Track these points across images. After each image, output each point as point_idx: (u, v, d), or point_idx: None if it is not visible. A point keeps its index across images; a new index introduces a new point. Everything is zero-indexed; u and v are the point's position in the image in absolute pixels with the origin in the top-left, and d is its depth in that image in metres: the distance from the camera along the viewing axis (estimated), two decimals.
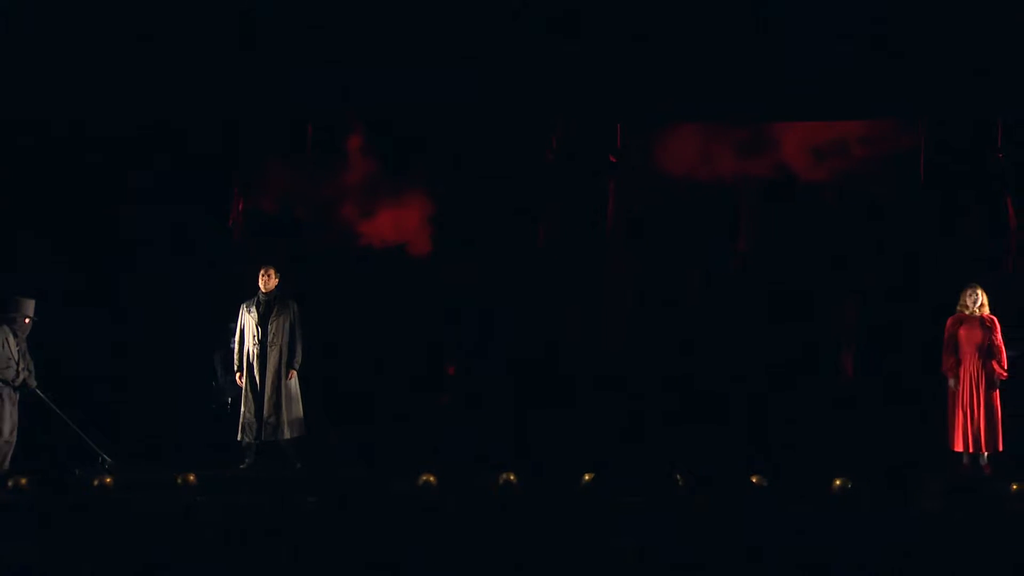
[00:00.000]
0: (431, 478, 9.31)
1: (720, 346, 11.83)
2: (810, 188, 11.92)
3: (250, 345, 10.75)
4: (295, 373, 10.79)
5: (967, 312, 10.50)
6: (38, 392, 10.38)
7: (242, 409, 10.78)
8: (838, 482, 9.10)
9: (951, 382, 10.49)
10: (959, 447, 10.45)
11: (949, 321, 10.56)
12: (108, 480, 9.29)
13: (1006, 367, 10.40)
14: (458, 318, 12.16)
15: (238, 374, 10.82)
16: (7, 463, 10.11)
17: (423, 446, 11.08)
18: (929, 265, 11.55)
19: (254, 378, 10.76)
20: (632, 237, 12.27)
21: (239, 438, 10.79)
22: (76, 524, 8.26)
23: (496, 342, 12.08)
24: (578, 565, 7.55)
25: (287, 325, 10.73)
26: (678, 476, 9.37)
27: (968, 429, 10.39)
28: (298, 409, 10.76)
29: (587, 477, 9.42)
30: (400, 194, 12.23)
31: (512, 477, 9.41)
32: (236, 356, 10.81)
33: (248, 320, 10.78)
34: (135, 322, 11.90)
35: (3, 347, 10.16)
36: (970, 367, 10.43)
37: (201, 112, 11.76)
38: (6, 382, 10.17)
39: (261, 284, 10.80)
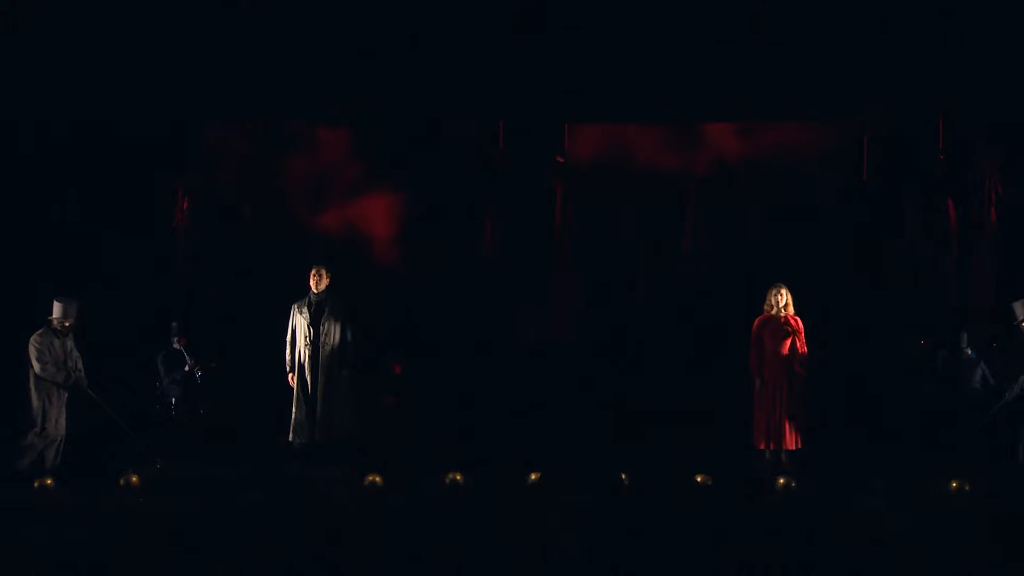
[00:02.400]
0: (377, 478, 9.27)
1: (668, 346, 11.89)
2: (752, 188, 12.04)
3: (301, 346, 10.69)
4: (347, 373, 10.73)
5: (773, 312, 10.65)
6: (90, 392, 10.32)
7: (293, 410, 10.71)
8: (781, 481, 9.17)
9: (756, 382, 10.63)
10: (761, 445, 10.63)
11: (756, 321, 10.69)
12: (48, 481, 9.16)
13: (806, 366, 10.53)
14: (406, 317, 12.19)
15: (290, 375, 10.75)
16: (57, 458, 10.07)
17: (370, 446, 11.07)
18: (870, 265, 11.68)
19: (305, 379, 10.69)
20: (579, 237, 12.32)
21: (290, 439, 10.72)
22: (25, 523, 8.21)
23: (444, 341, 12.09)
24: (524, 564, 7.53)
25: (339, 325, 10.66)
26: (623, 475, 9.42)
27: (770, 427, 10.55)
28: (350, 409, 10.73)
29: (533, 476, 9.41)
30: (349, 194, 12.25)
31: (458, 477, 9.38)
32: (288, 356, 10.74)
33: (299, 320, 10.71)
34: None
35: (48, 352, 10.09)
36: (774, 367, 10.57)
37: (146, 111, 11.71)
38: (59, 384, 10.12)
39: (312, 284, 10.72)
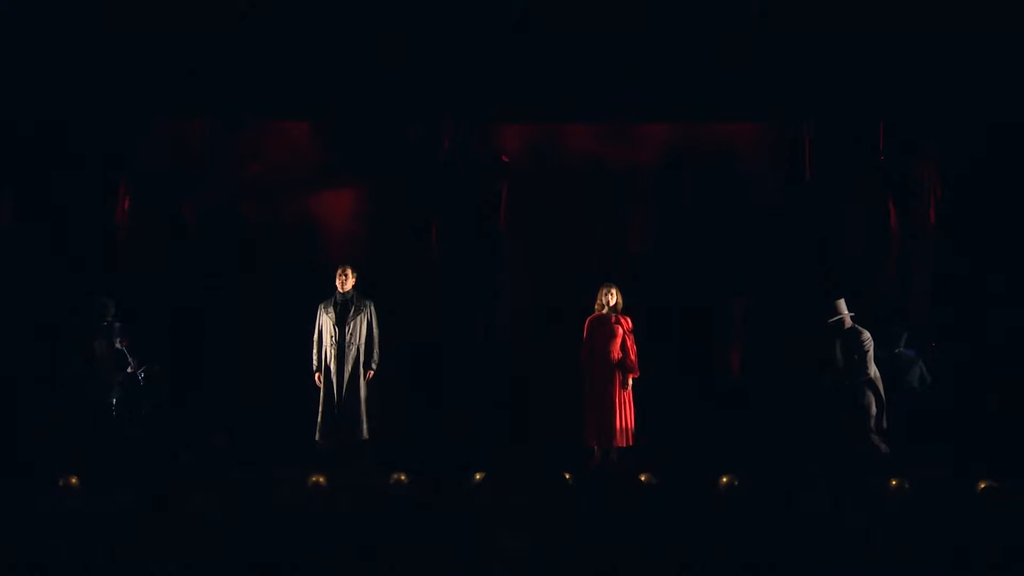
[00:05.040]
0: (321, 479, 9.27)
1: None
2: (695, 188, 12.13)
3: (327, 346, 10.76)
4: (373, 373, 10.82)
5: (604, 312, 10.84)
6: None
7: (319, 410, 10.77)
8: (724, 479, 9.24)
9: (586, 380, 10.83)
10: (592, 442, 10.81)
11: (587, 320, 10.89)
12: None
13: (636, 365, 10.75)
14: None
15: (316, 374, 10.83)
16: None
17: (314, 446, 11.02)
18: (815, 265, 11.80)
19: (331, 379, 10.76)
20: (527, 238, 12.37)
21: (316, 438, 10.78)
22: None
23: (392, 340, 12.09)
24: (467, 564, 7.57)
25: (364, 325, 10.75)
26: (567, 475, 9.44)
27: (601, 425, 10.74)
28: (376, 410, 10.81)
29: (478, 476, 9.45)
30: (297, 193, 12.26)
31: (403, 477, 9.40)
32: (314, 356, 10.82)
33: (325, 320, 10.78)
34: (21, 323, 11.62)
35: (91, 356, 10.48)
36: (604, 365, 10.76)
37: (87, 109, 11.62)
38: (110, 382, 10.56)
39: (338, 284, 10.81)
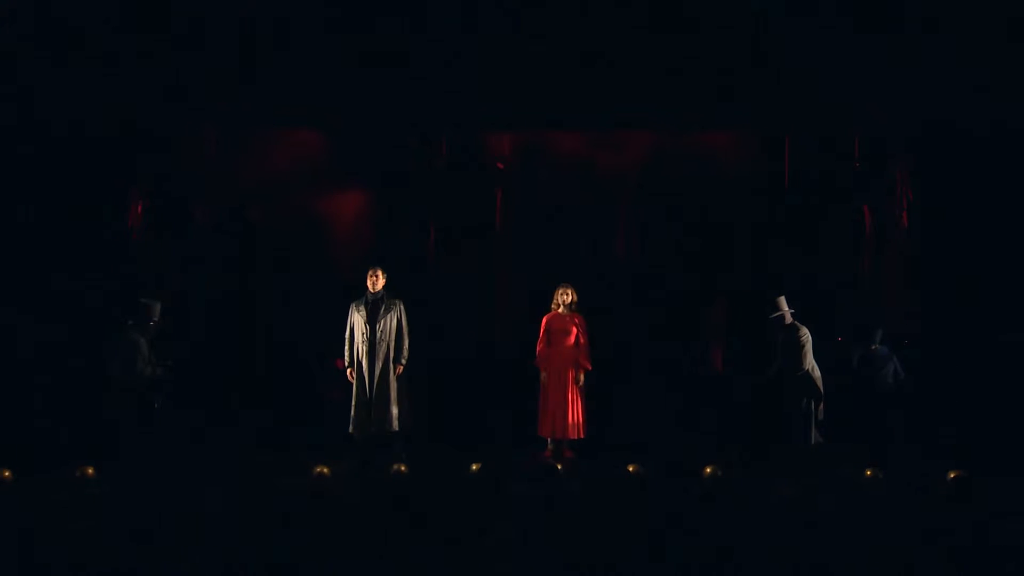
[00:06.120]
0: (325, 470, 9.52)
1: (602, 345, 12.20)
2: (676, 193, 12.41)
3: (359, 342, 11.13)
4: (402, 368, 11.18)
5: (560, 310, 11.30)
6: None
7: (352, 404, 11.15)
8: (708, 470, 9.51)
9: (542, 374, 11.30)
10: (545, 433, 11.27)
11: (544, 318, 11.36)
12: (7, 474, 9.24)
13: (589, 361, 11.23)
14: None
15: (348, 370, 11.20)
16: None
17: (316, 439, 11.37)
18: (791, 271, 12.04)
19: (363, 375, 11.13)
20: (518, 242, 12.65)
21: (350, 430, 11.15)
22: None
23: None
24: (466, 555, 7.77)
25: (394, 323, 11.13)
26: (559, 466, 9.71)
27: (555, 417, 11.21)
28: (404, 403, 11.15)
29: (474, 467, 9.70)
30: (298, 197, 12.50)
31: (403, 468, 9.67)
32: (346, 353, 11.19)
33: (357, 319, 11.16)
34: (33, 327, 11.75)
35: (138, 353, 10.66)
36: (559, 361, 11.22)
37: (100, 111, 11.77)
38: (149, 378, 10.75)
39: (369, 284, 11.19)
